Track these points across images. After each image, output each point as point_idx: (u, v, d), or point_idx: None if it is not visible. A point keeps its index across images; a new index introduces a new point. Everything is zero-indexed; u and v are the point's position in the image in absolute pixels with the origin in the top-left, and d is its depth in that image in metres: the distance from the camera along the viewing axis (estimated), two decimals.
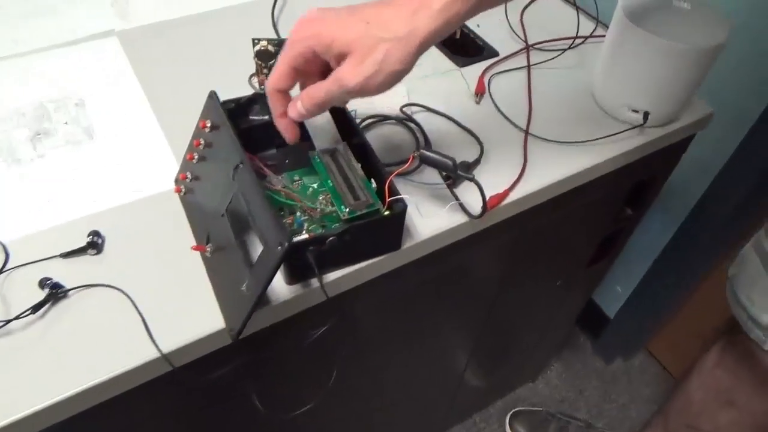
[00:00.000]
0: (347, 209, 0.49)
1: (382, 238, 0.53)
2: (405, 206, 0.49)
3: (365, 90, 0.42)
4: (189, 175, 0.57)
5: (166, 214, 0.56)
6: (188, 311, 0.49)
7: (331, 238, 0.49)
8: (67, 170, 0.58)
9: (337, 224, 0.50)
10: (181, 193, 0.59)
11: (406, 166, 0.56)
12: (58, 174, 0.58)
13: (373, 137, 0.65)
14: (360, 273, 0.54)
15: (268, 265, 0.45)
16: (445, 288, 0.75)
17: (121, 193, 0.58)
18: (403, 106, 0.67)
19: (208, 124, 0.55)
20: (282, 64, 0.44)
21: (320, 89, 0.44)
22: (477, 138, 0.66)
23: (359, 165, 0.53)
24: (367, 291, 0.56)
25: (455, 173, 0.55)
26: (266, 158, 0.58)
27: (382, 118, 0.66)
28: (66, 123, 0.64)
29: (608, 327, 1.34)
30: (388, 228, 0.52)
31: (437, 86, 0.72)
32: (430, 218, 0.55)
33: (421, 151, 0.53)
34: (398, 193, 0.49)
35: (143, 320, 0.49)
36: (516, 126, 0.68)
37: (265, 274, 0.46)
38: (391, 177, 0.50)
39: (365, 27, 0.41)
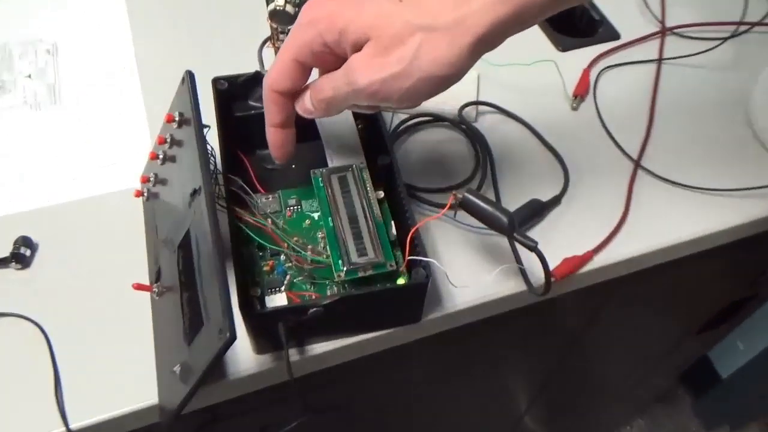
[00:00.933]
0: (344, 268, 0.40)
1: (392, 310, 0.44)
2: (428, 278, 0.40)
3: (385, 96, 0.35)
4: (152, 178, 0.48)
5: (124, 224, 0.49)
6: (121, 370, 0.42)
7: (314, 310, 0.39)
8: (14, 143, 0.52)
9: (330, 284, 0.42)
10: (144, 198, 0.50)
11: (442, 212, 0.43)
12: (1, 146, 0.51)
13: (412, 148, 0.55)
14: (360, 346, 0.45)
15: (206, 353, 0.36)
16: (493, 352, 0.65)
17: (75, 185, 0.51)
18: (466, 105, 0.56)
19: (176, 118, 0.44)
20: (283, 57, 0.37)
21: (329, 82, 0.37)
22: (562, 162, 0.55)
23: (378, 196, 0.44)
24: (370, 367, 0.49)
25: (511, 236, 0.43)
26: (264, 160, 0.49)
27: (432, 119, 0.56)
28: (29, 76, 0.56)
29: (718, 387, 1.22)
30: (402, 300, 0.43)
31: (519, 78, 0.60)
32: (469, 284, 0.46)
33: (465, 194, 0.42)
34: (423, 251, 0.41)
35: (56, 374, 0.41)
36: (623, 151, 0.56)
37: (201, 365, 0.36)
38: (416, 228, 0.41)
39: (396, 7, 0.34)
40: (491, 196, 0.51)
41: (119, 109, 0.56)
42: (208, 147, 0.43)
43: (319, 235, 0.45)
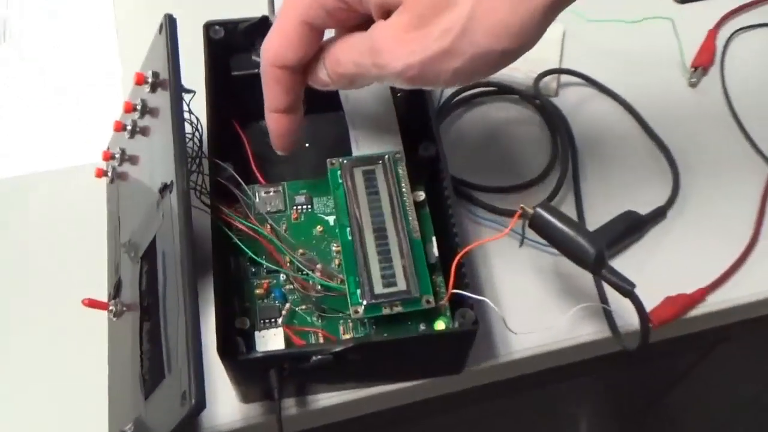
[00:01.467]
0: (364, 302, 0.35)
1: (425, 359, 0.39)
2: (477, 324, 0.35)
3: (427, 81, 0.31)
4: (118, 155, 0.42)
5: (81, 212, 0.44)
6: (64, 420, 0.37)
7: (319, 358, 0.34)
8: None
9: (345, 319, 0.38)
10: (108, 180, 0.44)
11: (504, 233, 0.37)
12: None
13: (467, 128, 0.50)
14: (376, 400, 0.40)
15: (165, 418, 0.30)
16: (553, 408, 0.62)
17: (23, 154, 0.47)
18: (544, 74, 0.51)
19: (148, 78, 0.37)
20: (286, 18, 0.33)
21: (350, 53, 0.33)
22: (671, 159, 0.48)
23: (417, 198, 0.40)
24: (389, 419, 0.44)
25: (597, 274, 0.36)
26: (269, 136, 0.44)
27: (497, 90, 0.50)
28: None
29: None
30: (439, 349, 0.38)
31: (620, 39, 0.55)
32: (533, 328, 0.39)
33: (538, 210, 0.36)
34: (474, 282, 0.36)
35: None
36: (756, 148, 0.49)
37: (160, 429, 0.31)
38: (466, 251, 0.35)
39: None
40: (570, 201, 0.46)
41: (89, 63, 0.52)
42: (192, 119, 0.38)
43: (333, 247, 0.39)
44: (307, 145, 0.44)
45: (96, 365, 0.38)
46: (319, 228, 0.39)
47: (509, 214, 0.42)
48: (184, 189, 0.32)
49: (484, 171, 0.47)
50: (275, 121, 0.37)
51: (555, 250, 0.39)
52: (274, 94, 0.36)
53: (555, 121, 0.48)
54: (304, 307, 0.37)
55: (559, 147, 0.47)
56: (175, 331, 0.31)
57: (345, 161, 0.39)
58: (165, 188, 0.34)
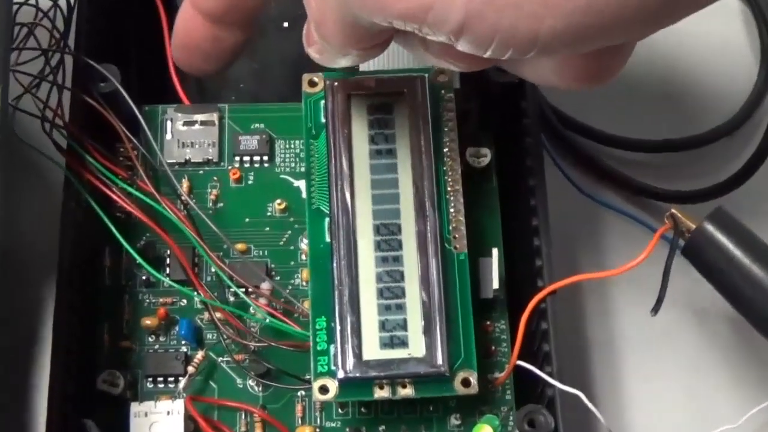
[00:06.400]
0: (339, 372, 0.29)
1: None
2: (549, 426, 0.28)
3: (509, 40, 0.23)
4: None
5: None
6: None
7: None
8: None
9: (307, 393, 0.32)
10: None
11: (638, 259, 0.30)
12: None
13: None
14: None
15: None
16: None
17: None
18: None
19: None
20: None
21: None
22: None
23: (477, 163, 0.33)
24: None
25: None
26: None
27: None
28: None
29: None
30: None
31: None
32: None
33: (705, 224, 0.31)
34: (562, 365, 0.30)
35: None
36: None
37: None
38: (552, 289, 0.29)
39: None
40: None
41: None
42: None
43: (303, 246, 0.32)
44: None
45: None
46: (279, 203, 0.32)
47: (657, 213, 0.36)
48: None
49: (618, 111, 0.40)
50: (189, 23, 0.32)
51: (727, 304, 0.32)
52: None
53: None
54: (228, 359, 0.30)
55: None
56: None
57: (336, 82, 0.31)
58: None
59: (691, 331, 0.38)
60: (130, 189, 0.30)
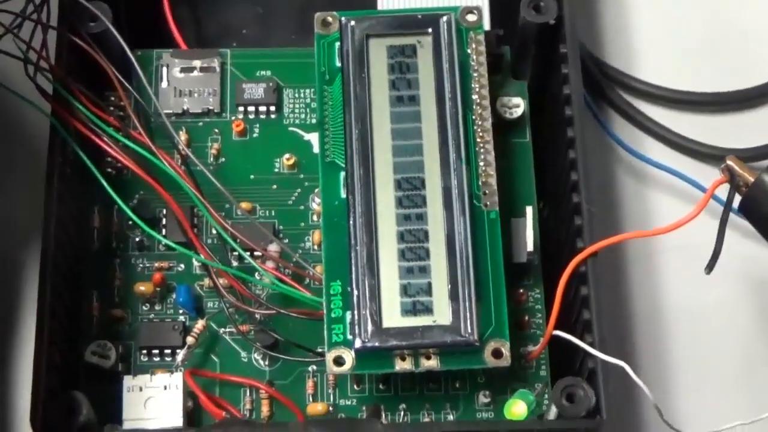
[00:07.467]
0: (356, 342, 0.28)
1: None
2: (597, 419, 0.27)
3: None
4: None
5: None
6: None
7: None
8: None
9: (319, 368, 0.30)
10: None
11: (690, 216, 0.29)
12: None
13: None
14: None
15: None
16: None
17: None
18: None
19: None
20: None
21: None
22: None
23: (507, 114, 0.32)
24: None
25: None
26: None
27: None
28: None
29: None
30: None
31: None
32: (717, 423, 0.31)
33: (764, 174, 0.29)
34: (603, 335, 0.29)
35: None
36: None
37: None
38: (591, 251, 0.28)
39: None
40: None
41: None
42: None
43: (314, 206, 0.31)
44: None
45: None
46: (287, 158, 0.31)
47: (706, 175, 0.35)
48: None
49: (665, 58, 0.39)
50: None
51: None
52: None
53: None
54: (231, 330, 0.30)
55: None
56: None
57: (353, 21, 0.30)
58: None
59: (747, 304, 0.37)
60: (122, 140, 0.29)
